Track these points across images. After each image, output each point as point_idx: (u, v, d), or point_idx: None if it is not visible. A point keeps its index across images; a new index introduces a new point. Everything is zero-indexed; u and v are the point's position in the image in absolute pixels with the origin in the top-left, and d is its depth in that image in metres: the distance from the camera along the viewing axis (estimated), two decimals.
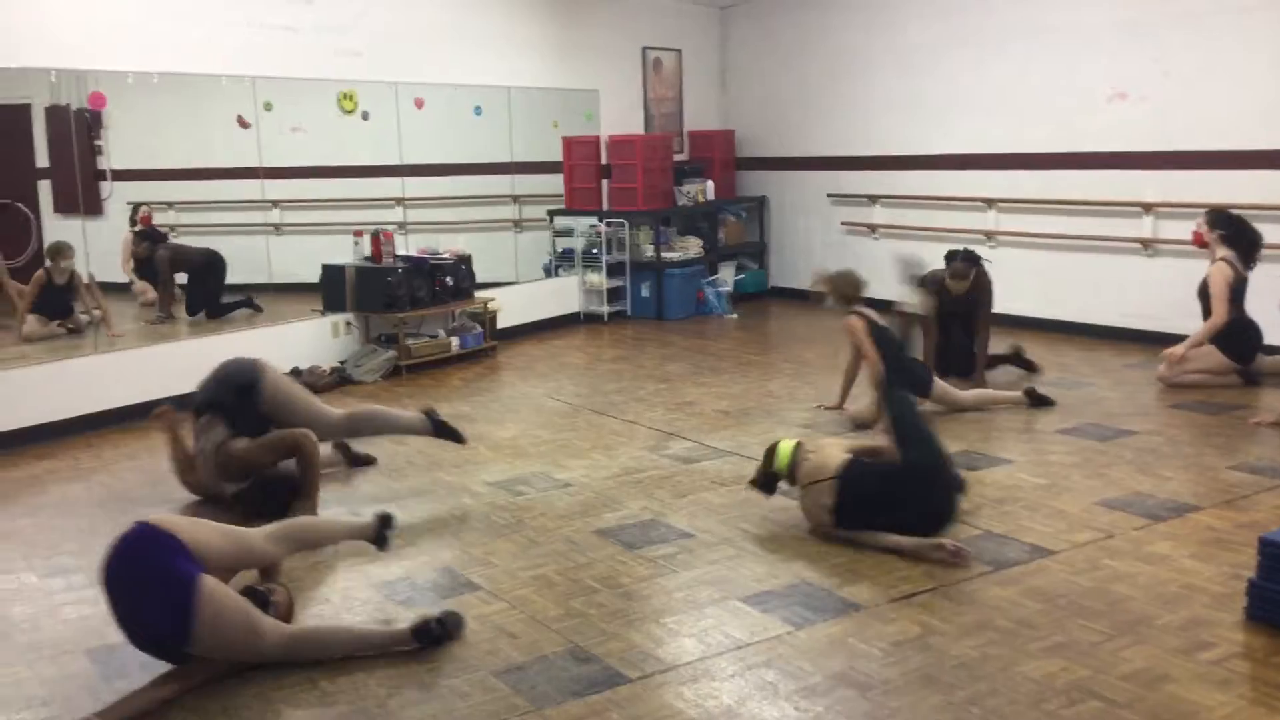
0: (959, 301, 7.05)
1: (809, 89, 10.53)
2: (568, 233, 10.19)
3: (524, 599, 3.99)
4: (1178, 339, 7.00)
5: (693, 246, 10.51)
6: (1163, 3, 7.90)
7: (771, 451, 4.70)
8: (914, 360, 6.44)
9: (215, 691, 3.36)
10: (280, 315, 8.05)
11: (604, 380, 7.65)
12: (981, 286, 6.98)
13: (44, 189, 7.80)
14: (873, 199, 10.08)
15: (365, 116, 8.69)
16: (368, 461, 5.79)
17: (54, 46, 6.55)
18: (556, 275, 10.09)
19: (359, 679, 3.41)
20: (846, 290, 6.35)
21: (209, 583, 3.31)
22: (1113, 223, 8.32)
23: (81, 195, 7.23)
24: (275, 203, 8.32)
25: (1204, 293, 6.84)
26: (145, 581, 3.30)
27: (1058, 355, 7.78)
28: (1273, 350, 6.92)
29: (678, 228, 10.69)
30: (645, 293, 10.15)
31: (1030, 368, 7.23)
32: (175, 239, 8.24)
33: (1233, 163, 7.50)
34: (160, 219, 8.23)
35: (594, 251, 9.97)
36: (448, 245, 8.76)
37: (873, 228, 10.06)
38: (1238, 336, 6.75)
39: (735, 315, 10.15)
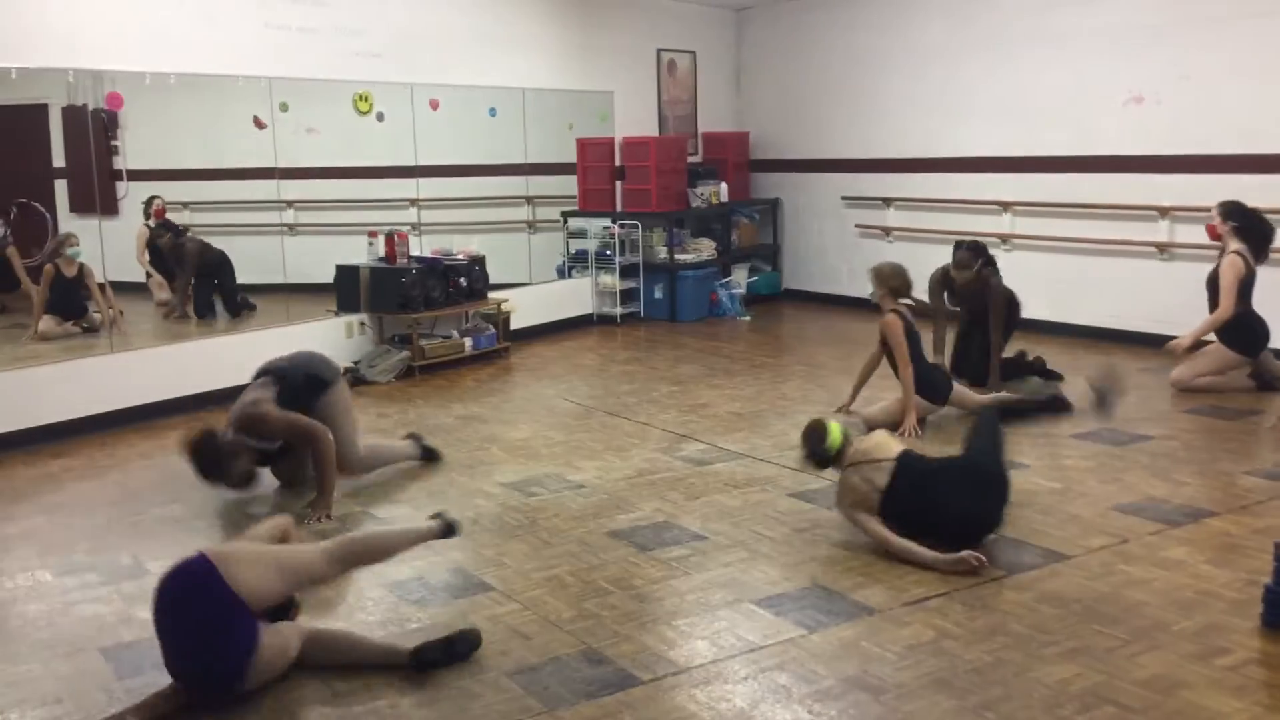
0: (972, 302, 7.03)
1: (824, 91, 10.51)
2: (581, 234, 10.19)
3: (537, 600, 3.99)
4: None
5: (706, 248, 10.50)
6: (1181, 6, 7.87)
7: (820, 430, 4.58)
8: (932, 365, 6.42)
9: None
10: (295, 315, 8.07)
11: (617, 382, 7.65)
12: (992, 289, 6.95)
13: (60, 189, 7.84)
14: (887, 202, 10.06)
15: (380, 117, 8.71)
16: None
17: (71, 47, 6.58)
18: (570, 277, 10.10)
19: (372, 679, 3.41)
20: (896, 284, 6.29)
21: (265, 637, 3.28)
22: (1129, 227, 8.28)
23: (98, 195, 7.26)
24: (290, 203, 8.34)
25: (1213, 283, 6.81)
26: (204, 635, 3.22)
27: (1072, 359, 7.74)
28: None
29: (691, 229, 10.68)
30: (658, 294, 10.15)
31: (1051, 376, 7.20)
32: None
33: (1251, 166, 7.46)
34: (175, 219, 8.28)
35: (607, 253, 9.98)
36: (462, 246, 8.78)
37: (887, 231, 10.04)
38: (1244, 330, 6.72)
39: (748, 317, 10.14)
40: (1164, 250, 8.08)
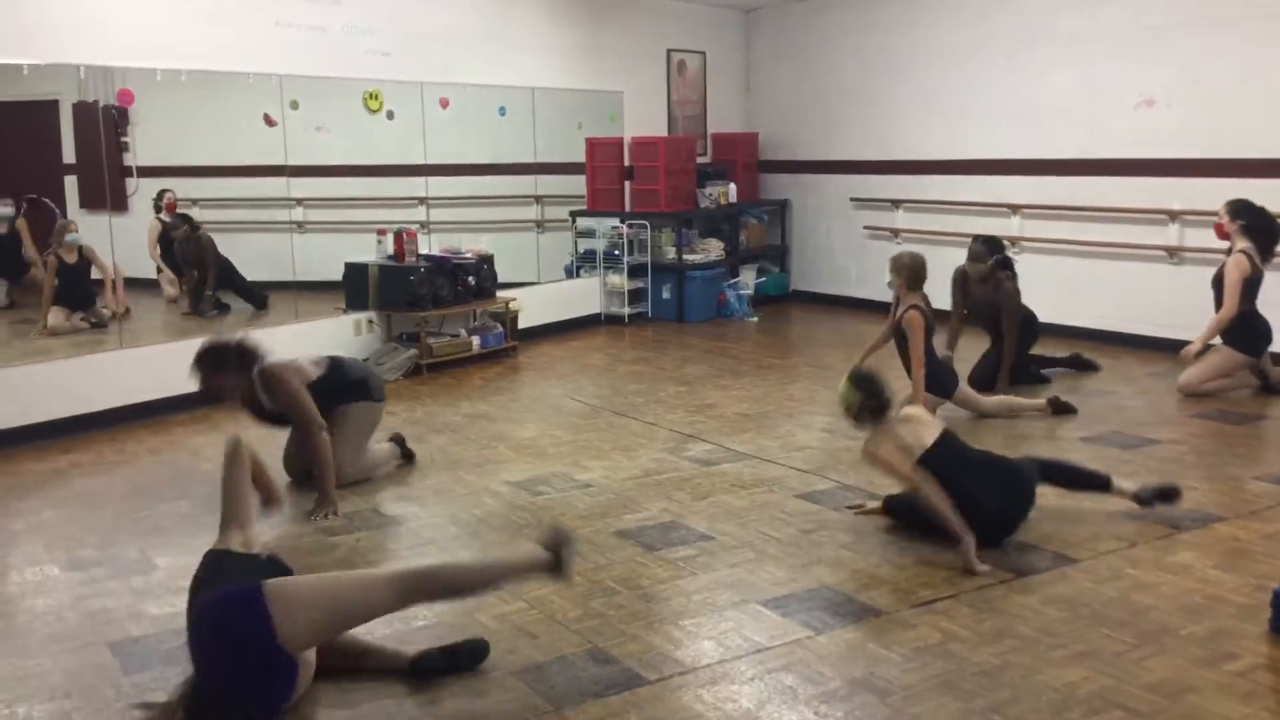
0: (986, 312, 7.03)
1: (833, 92, 10.51)
2: (589, 234, 10.20)
3: (543, 599, 3.99)
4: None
5: (714, 249, 10.50)
6: (1193, 9, 7.85)
7: (879, 378, 4.59)
8: (940, 359, 6.43)
9: None
10: (303, 313, 8.08)
11: (624, 381, 7.65)
12: (1005, 293, 6.95)
13: (71, 184, 7.86)
14: (896, 204, 10.05)
15: (390, 116, 8.72)
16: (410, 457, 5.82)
17: (83, 43, 6.60)
18: (578, 276, 10.10)
19: (379, 677, 3.41)
20: (914, 274, 6.29)
21: (303, 671, 3.22)
22: (1138, 230, 8.26)
23: (108, 191, 7.28)
24: (299, 201, 8.36)
25: (1219, 282, 6.79)
26: (240, 675, 3.10)
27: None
28: None
29: (699, 230, 10.68)
30: (666, 295, 10.15)
31: (1089, 367, 7.44)
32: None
33: (1262, 171, 7.43)
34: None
35: (615, 253, 9.98)
36: (470, 245, 8.78)
37: (895, 232, 10.03)
38: (1248, 330, 6.71)
39: (756, 318, 10.14)
40: (1173, 254, 8.06)
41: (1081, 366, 7.52)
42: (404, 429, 6.15)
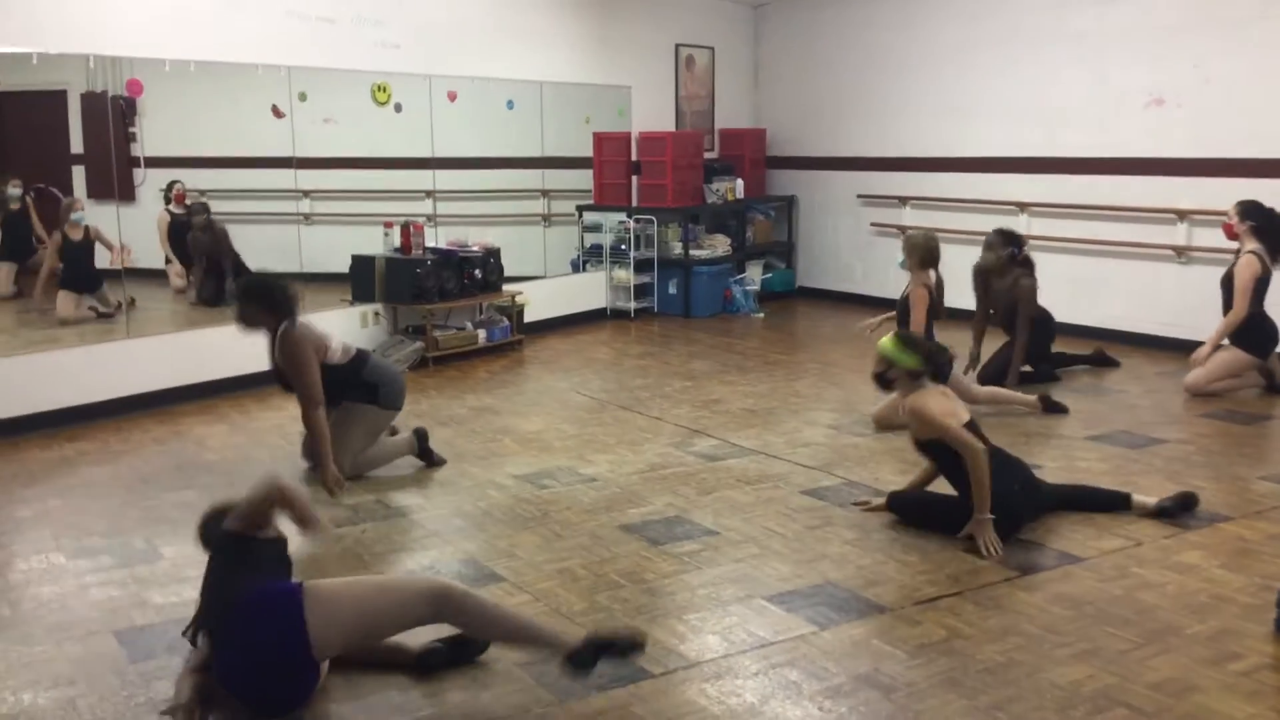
0: (1005, 303, 7.01)
1: (841, 88, 10.49)
2: (596, 228, 10.19)
3: (548, 592, 3.99)
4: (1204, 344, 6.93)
5: (721, 244, 10.49)
6: (1205, 8, 7.82)
7: (919, 342, 4.66)
8: (938, 345, 6.43)
9: None
10: (310, 305, 8.07)
11: (630, 376, 7.65)
12: (1021, 290, 6.93)
13: (78, 174, 7.87)
14: (903, 201, 10.03)
15: (398, 109, 8.72)
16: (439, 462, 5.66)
17: (92, 33, 6.60)
18: (584, 270, 10.10)
19: (386, 669, 3.41)
20: (926, 253, 6.29)
21: (321, 673, 3.25)
22: (1146, 229, 8.24)
23: (116, 182, 7.28)
24: (306, 193, 8.36)
25: (1227, 283, 6.78)
26: (265, 671, 3.12)
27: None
28: None
29: (706, 225, 10.68)
30: (672, 290, 10.14)
31: (1110, 363, 7.53)
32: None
33: (1272, 171, 7.41)
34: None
35: (622, 247, 9.97)
36: (477, 238, 8.78)
37: (902, 229, 9.99)
38: (1255, 331, 6.70)
39: (762, 314, 10.13)
40: (1181, 253, 8.04)
41: (1103, 363, 7.53)
42: (408, 423, 6.15)
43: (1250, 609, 3.76)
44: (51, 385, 6.44)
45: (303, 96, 7.97)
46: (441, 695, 3.26)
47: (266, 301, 5.19)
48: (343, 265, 8.31)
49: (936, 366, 4.59)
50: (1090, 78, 8.51)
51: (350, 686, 3.32)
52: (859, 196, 10.45)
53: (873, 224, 10.37)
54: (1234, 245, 6.89)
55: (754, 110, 11.40)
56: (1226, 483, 5.15)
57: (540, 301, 9.20)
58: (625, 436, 6.08)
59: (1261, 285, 6.64)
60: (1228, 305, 6.72)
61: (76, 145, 7.85)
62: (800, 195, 11.12)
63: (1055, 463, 5.46)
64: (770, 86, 11.28)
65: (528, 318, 8.96)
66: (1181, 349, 7.62)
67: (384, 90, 8.61)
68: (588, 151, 10.13)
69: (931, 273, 6.32)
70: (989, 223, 9.01)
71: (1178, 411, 6.50)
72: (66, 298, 7.58)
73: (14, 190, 7.72)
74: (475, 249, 8.52)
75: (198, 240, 8.27)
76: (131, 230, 7.49)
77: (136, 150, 7.90)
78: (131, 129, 7.78)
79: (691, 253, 10.13)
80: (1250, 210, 6.74)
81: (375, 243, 8.35)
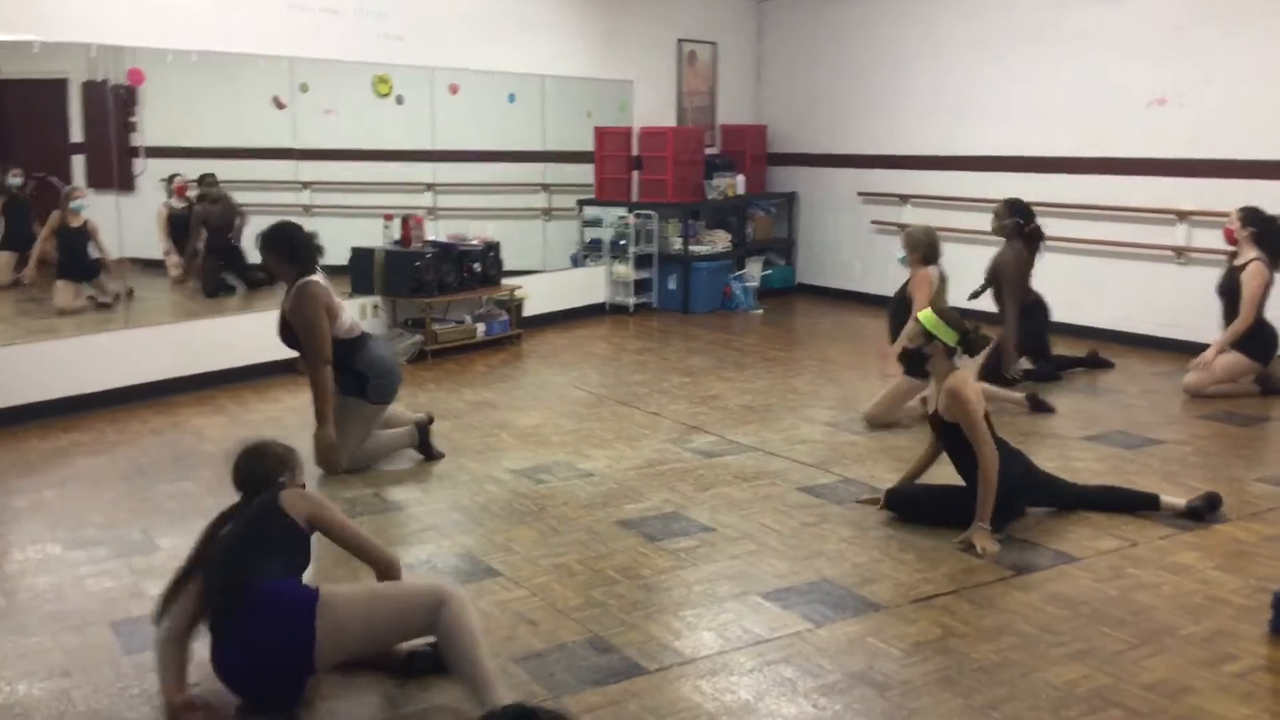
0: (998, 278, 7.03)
1: (843, 86, 10.47)
2: (596, 223, 10.18)
3: (544, 587, 3.99)
4: (1208, 349, 6.94)
5: (721, 240, 10.48)
6: (1208, 8, 7.81)
7: (967, 322, 4.65)
8: (975, 325, 6.43)
9: None
10: None
11: (628, 371, 7.65)
12: (1003, 259, 6.96)
13: (78, 164, 7.86)
14: (903, 198, 10.02)
15: (400, 101, 8.71)
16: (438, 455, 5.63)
17: (94, 22, 6.59)
18: (584, 265, 10.09)
19: (378, 666, 3.41)
20: (927, 249, 6.29)
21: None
22: (1146, 229, 8.24)
23: (116, 171, 7.28)
24: (307, 184, 8.36)
25: (1226, 290, 6.77)
26: (266, 669, 3.13)
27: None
28: None
29: (706, 221, 10.67)
30: (672, 285, 10.14)
31: (1104, 365, 7.48)
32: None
33: (1274, 173, 7.39)
34: (189, 197, 8.30)
35: (622, 242, 9.96)
36: (477, 232, 8.78)
37: (903, 227, 9.96)
38: (1257, 337, 6.71)
39: (761, 311, 10.12)
40: (1181, 254, 8.04)
41: (1097, 365, 7.51)
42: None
43: (1245, 610, 3.77)
44: (49, 375, 6.44)
45: (304, 88, 7.97)
46: (436, 690, 3.26)
47: (287, 249, 5.20)
48: (342, 257, 8.28)
49: (970, 346, 4.59)
50: (1091, 77, 8.50)
51: (341, 682, 3.31)
52: (860, 194, 10.44)
53: (873, 221, 10.36)
54: (1233, 250, 6.89)
55: (755, 106, 11.39)
56: (1223, 484, 5.14)
57: (539, 296, 9.19)
58: (623, 432, 6.08)
59: (1266, 292, 6.66)
60: (1228, 314, 6.73)
61: (77, 134, 7.85)
62: (801, 192, 11.11)
63: (1051, 463, 5.44)
64: (772, 83, 11.27)
65: (527, 312, 8.96)
66: (1180, 350, 7.64)
67: (385, 82, 8.60)
68: (589, 146, 10.12)
69: (933, 269, 6.31)
70: (989, 221, 9.05)
71: (1175, 412, 6.50)
72: (64, 287, 7.57)
73: (14, 180, 7.72)
74: (475, 242, 8.52)
75: (209, 213, 8.23)
76: (131, 220, 7.48)
77: (137, 140, 7.90)
78: (132, 119, 7.78)
79: (691, 248, 10.13)
80: (1253, 217, 6.75)
81: (375, 235, 8.34)
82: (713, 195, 10.38)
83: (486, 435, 6.04)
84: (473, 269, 8.36)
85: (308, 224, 8.19)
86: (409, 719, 3.16)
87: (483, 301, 8.71)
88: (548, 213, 10.12)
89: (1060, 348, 7.60)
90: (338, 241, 8.37)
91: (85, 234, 7.53)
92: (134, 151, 7.90)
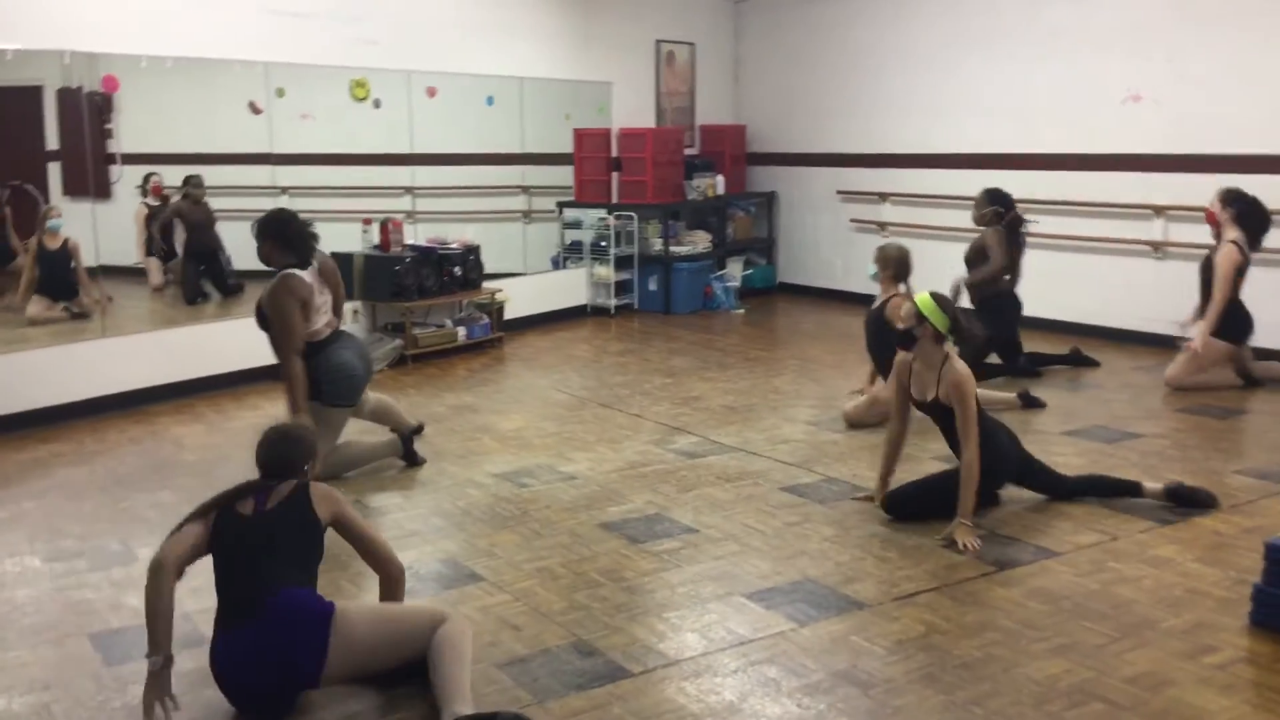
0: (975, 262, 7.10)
1: (821, 85, 10.50)
2: (576, 225, 10.18)
3: (527, 591, 3.99)
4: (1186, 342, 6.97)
5: (701, 241, 10.49)
6: (1180, 5, 7.86)
7: (963, 311, 4.71)
8: (969, 314, 6.45)
9: None
10: None
11: (610, 373, 7.64)
12: (980, 243, 7.09)
13: (54, 171, 7.80)
14: (883, 196, 10.05)
15: (377, 104, 8.69)
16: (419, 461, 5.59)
17: (67, 28, 6.55)
18: (564, 267, 10.08)
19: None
20: (899, 267, 6.31)
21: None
22: (1123, 224, 8.28)
23: (92, 179, 7.23)
24: (285, 189, 8.32)
25: (1206, 270, 6.82)
26: (271, 678, 3.12)
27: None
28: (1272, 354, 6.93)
29: (686, 222, 10.67)
30: (653, 286, 10.14)
31: (1088, 363, 7.49)
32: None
33: (1248, 167, 7.44)
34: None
35: (602, 244, 9.96)
36: (456, 235, 8.75)
37: (882, 225, 10.03)
38: (1231, 319, 6.74)
39: (743, 310, 10.14)
40: (1158, 249, 8.08)
41: (1080, 362, 7.52)
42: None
43: (1225, 603, 3.79)
44: (26, 385, 6.39)
45: (280, 92, 7.93)
46: (420, 698, 3.24)
47: (280, 237, 5.18)
48: None
49: (961, 335, 4.64)
50: (1067, 74, 8.54)
51: (329, 690, 3.30)
52: (839, 192, 10.47)
53: (852, 220, 10.38)
54: (1213, 238, 6.91)
55: (734, 106, 11.40)
56: (1202, 477, 5.17)
57: (520, 299, 9.17)
58: (605, 434, 6.08)
59: (1239, 274, 6.69)
60: (1205, 291, 6.77)
61: (52, 142, 7.78)
62: (780, 191, 11.13)
63: None
64: (750, 82, 11.28)
65: (508, 315, 8.94)
66: (1158, 344, 7.69)
67: (362, 86, 8.58)
68: (568, 148, 10.11)
69: (903, 286, 6.28)
70: (968, 218, 9.07)
71: (1154, 406, 6.53)
72: (39, 301, 7.50)
73: None
74: (455, 246, 8.50)
75: (187, 210, 8.17)
76: (108, 228, 7.44)
77: (113, 147, 7.84)
78: (107, 125, 7.72)
79: (672, 249, 10.13)
80: (1233, 197, 6.78)
81: (354, 240, 8.31)
82: (692, 196, 10.40)
83: (468, 439, 6.02)
84: (453, 272, 8.33)
85: None
86: None
87: (463, 305, 8.69)
88: (527, 215, 10.11)
89: (1040, 344, 7.64)
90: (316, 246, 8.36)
91: (66, 254, 7.45)
92: (110, 158, 7.84)
